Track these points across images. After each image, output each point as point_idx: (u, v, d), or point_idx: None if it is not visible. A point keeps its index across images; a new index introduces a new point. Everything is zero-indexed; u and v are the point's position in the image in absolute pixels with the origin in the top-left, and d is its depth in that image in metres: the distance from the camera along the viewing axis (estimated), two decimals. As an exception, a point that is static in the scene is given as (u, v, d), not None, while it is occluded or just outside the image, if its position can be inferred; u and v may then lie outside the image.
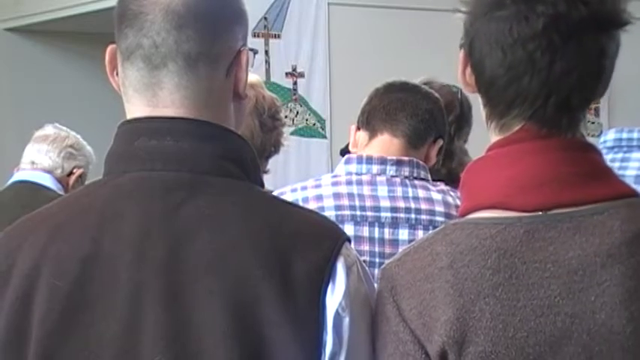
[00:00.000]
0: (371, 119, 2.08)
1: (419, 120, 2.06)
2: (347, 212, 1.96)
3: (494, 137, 1.29)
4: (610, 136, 2.44)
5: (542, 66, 1.22)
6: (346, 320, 1.20)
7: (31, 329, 1.20)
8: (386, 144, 2.06)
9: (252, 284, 1.17)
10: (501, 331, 1.17)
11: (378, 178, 2.01)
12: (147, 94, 1.26)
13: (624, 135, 2.43)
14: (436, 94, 2.14)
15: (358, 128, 2.13)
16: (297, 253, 1.19)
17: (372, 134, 2.07)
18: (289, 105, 5.77)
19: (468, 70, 1.29)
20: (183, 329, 1.16)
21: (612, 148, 2.32)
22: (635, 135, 2.41)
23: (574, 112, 1.25)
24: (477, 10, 1.26)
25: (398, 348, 1.22)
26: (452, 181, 2.57)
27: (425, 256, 1.24)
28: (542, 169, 1.23)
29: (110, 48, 1.31)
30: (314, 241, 1.21)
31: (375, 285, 1.29)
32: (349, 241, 1.25)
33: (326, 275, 1.19)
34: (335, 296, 1.19)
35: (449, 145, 2.65)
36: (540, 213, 1.21)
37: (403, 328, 1.22)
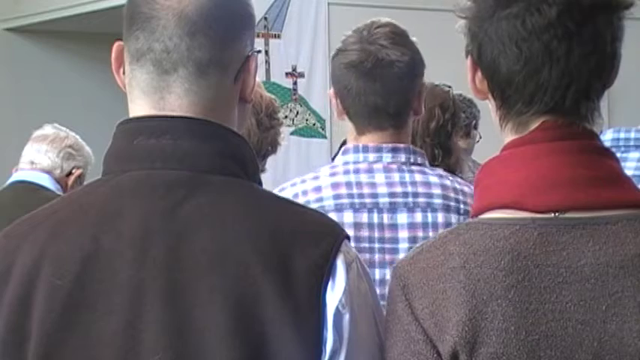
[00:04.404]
0: (354, 115, 2.06)
1: (398, 106, 2.04)
2: (345, 200, 1.97)
3: (510, 137, 1.28)
4: (607, 136, 2.44)
5: (560, 55, 1.21)
6: (346, 317, 1.20)
7: (31, 329, 1.20)
8: (375, 138, 2.05)
9: (252, 282, 1.17)
10: (513, 334, 1.17)
11: (375, 166, 2.02)
12: (154, 97, 1.27)
13: (622, 135, 2.43)
14: (410, 46, 2.08)
15: (336, 94, 2.09)
16: (296, 250, 1.19)
17: (360, 131, 2.06)
18: (289, 105, 5.77)
19: (479, 75, 1.28)
20: (184, 327, 1.16)
21: (610, 148, 2.32)
22: (632, 135, 2.42)
23: (592, 100, 1.25)
24: (483, 13, 1.25)
25: (409, 347, 1.22)
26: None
27: (437, 255, 1.23)
28: (556, 171, 1.22)
29: (117, 45, 1.31)
30: (314, 238, 1.22)
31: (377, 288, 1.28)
32: (348, 238, 1.26)
33: (326, 272, 1.19)
34: (335, 293, 1.20)
35: (447, 142, 2.66)
36: (553, 215, 1.21)
37: (415, 327, 1.21)
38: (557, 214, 1.21)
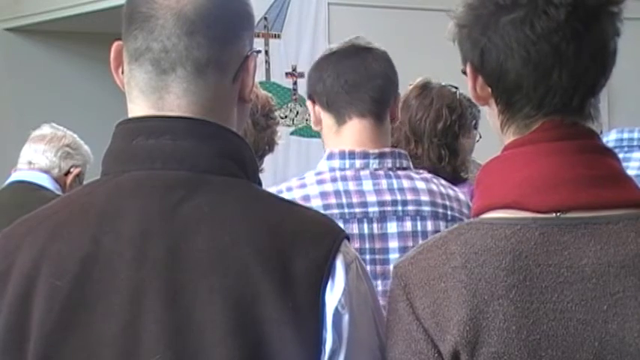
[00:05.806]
0: (333, 102, 2.04)
1: (379, 89, 2.04)
2: (335, 211, 1.95)
3: (512, 138, 1.28)
4: (611, 136, 2.46)
5: (569, 56, 1.21)
6: (346, 318, 1.20)
7: (30, 329, 1.20)
8: (357, 129, 2.03)
9: (252, 282, 1.17)
10: (514, 333, 1.17)
11: (362, 173, 2.00)
12: (153, 97, 1.27)
13: (625, 135, 2.45)
14: (381, 50, 2.10)
15: (313, 102, 2.09)
16: (296, 250, 1.19)
17: (340, 120, 2.04)
18: (289, 105, 5.77)
19: (480, 82, 1.28)
20: (184, 328, 1.16)
21: (613, 148, 2.34)
22: (635, 135, 2.43)
23: (595, 97, 1.26)
24: (484, 20, 1.24)
25: (410, 346, 1.22)
26: (455, 178, 2.59)
27: (439, 255, 1.23)
28: (558, 171, 1.22)
29: (116, 45, 1.31)
30: (313, 238, 1.22)
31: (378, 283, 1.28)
32: (348, 238, 1.26)
33: (325, 272, 1.19)
34: (334, 293, 1.20)
35: (453, 142, 2.66)
36: (555, 215, 1.21)
37: (416, 326, 1.22)
38: (558, 213, 1.21)
